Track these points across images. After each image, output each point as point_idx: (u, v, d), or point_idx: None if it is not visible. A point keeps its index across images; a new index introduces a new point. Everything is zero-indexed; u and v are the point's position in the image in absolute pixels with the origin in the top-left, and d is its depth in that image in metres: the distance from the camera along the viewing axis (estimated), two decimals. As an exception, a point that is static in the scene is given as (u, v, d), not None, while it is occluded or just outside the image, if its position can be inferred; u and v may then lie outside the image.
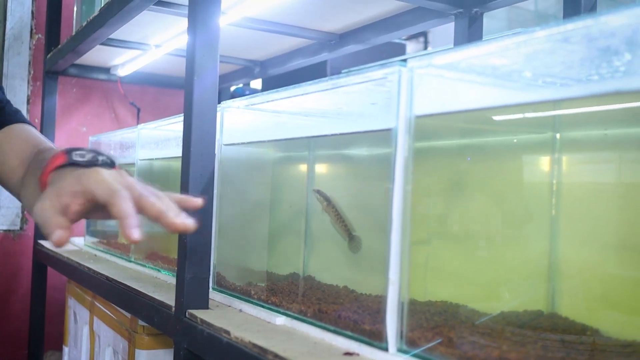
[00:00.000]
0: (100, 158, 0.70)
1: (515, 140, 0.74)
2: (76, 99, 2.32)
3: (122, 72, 2.17)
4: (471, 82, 0.68)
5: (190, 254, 0.94)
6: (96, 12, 1.58)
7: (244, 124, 1.11)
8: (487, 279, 0.74)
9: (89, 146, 1.95)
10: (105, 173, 0.64)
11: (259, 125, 1.11)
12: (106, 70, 2.20)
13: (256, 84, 2.77)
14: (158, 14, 1.46)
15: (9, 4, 2.20)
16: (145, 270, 1.38)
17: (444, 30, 2.29)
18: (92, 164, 0.68)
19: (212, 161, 0.99)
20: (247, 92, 2.76)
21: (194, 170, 0.97)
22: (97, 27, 1.58)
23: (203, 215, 0.96)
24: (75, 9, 2.13)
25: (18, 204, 2.21)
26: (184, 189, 0.99)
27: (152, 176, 1.51)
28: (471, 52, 0.65)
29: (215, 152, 1.00)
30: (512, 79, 0.64)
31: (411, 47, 2.67)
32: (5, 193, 2.18)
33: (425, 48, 2.71)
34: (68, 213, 0.62)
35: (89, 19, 1.65)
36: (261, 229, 1.08)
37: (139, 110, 2.33)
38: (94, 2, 1.98)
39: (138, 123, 2.36)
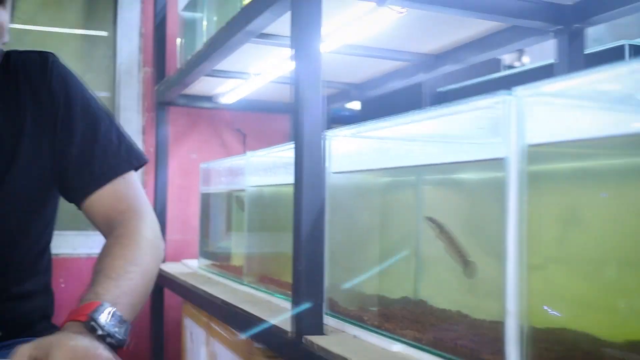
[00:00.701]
0: (110, 340, 0.76)
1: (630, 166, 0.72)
2: (186, 127, 2.44)
3: (225, 100, 2.27)
4: (583, 108, 0.67)
5: (305, 281, 0.98)
6: (200, 47, 1.66)
7: (351, 151, 1.13)
8: (609, 305, 0.73)
9: (201, 172, 2.05)
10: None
11: (366, 152, 1.14)
12: (211, 98, 2.31)
13: (354, 103, 2.80)
14: (257, 45, 1.53)
15: (117, 41, 2.35)
16: (258, 293, 1.43)
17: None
18: (101, 338, 0.74)
19: (322, 189, 1.03)
20: (346, 113, 2.81)
21: (306, 198, 1.01)
22: (201, 60, 1.67)
23: (315, 242, 1.00)
24: (178, 42, 2.26)
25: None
26: (297, 216, 1.03)
27: (263, 202, 1.57)
28: (580, 80, 0.64)
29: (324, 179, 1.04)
30: (628, 104, 0.63)
31: (506, 58, 2.61)
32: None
33: (520, 58, 2.65)
34: None
35: (193, 54, 1.74)
36: (371, 254, 1.10)
37: (244, 135, 2.42)
38: (195, 36, 2.09)
39: (245, 148, 2.46)
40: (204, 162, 2.26)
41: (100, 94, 2.39)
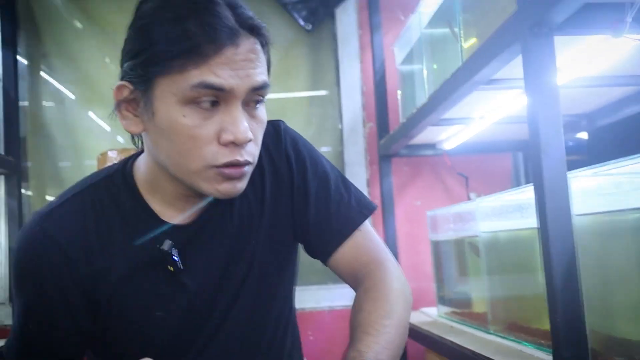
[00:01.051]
0: None
1: None
2: (408, 176, 2.50)
3: (447, 146, 2.28)
4: None
5: (564, 331, 0.93)
6: (424, 100, 1.70)
7: (589, 189, 1.07)
8: None
9: (429, 220, 2.08)
10: None
11: (610, 191, 1.07)
12: (432, 146, 2.34)
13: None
14: (484, 91, 1.52)
15: (342, 101, 2.50)
16: (506, 342, 1.39)
17: None
18: None
19: (569, 233, 0.99)
20: (570, 143, 2.66)
21: (554, 243, 0.98)
22: (425, 113, 1.71)
23: (570, 289, 0.96)
24: (398, 95, 2.34)
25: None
26: (547, 263, 0.99)
27: (499, 247, 1.54)
28: None
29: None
30: None
31: None
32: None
33: None
34: None
35: (417, 107, 1.79)
36: (633, 299, 1.02)
37: (466, 179, 2.41)
38: (414, 88, 2.14)
39: (467, 191, 2.44)
40: (428, 208, 2.28)
41: (327, 149, 2.55)
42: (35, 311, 0.95)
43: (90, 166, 2.42)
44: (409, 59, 2.18)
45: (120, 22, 2.47)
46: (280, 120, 1.12)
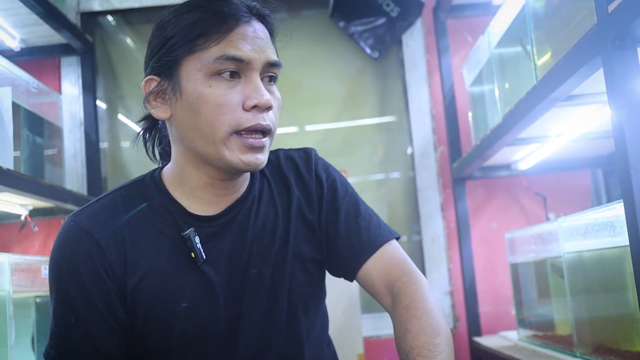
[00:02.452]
0: None
1: None
2: (482, 198, 2.45)
3: (523, 166, 2.23)
4: None
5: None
6: (499, 120, 1.68)
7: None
8: None
9: (507, 242, 2.02)
10: None
11: None
12: (507, 166, 2.29)
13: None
14: (562, 108, 1.49)
15: (412, 126, 2.49)
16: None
17: None
18: None
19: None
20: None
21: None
22: (500, 134, 1.68)
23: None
24: (470, 116, 2.31)
25: (449, 303, 2.39)
26: (638, 281, 0.95)
27: (584, 268, 1.48)
28: None
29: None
30: None
31: None
32: (435, 295, 2.37)
33: None
34: None
35: (491, 128, 1.76)
36: None
37: (544, 198, 2.34)
38: (485, 108, 2.11)
39: (546, 211, 2.37)
40: (505, 230, 2.23)
41: (396, 175, 2.54)
42: (75, 305, 0.98)
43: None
44: (478, 80, 2.16)
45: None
46: (312, 148, 1.20)
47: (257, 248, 1.06)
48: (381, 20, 2.46)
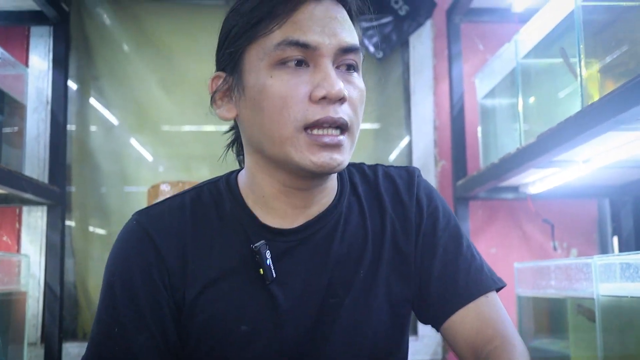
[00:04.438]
0: None
1: None
2: (482, 220, 2.27)
3: (532, 190, 2.05)
4: None
5: None
6: (533, 139, 1.49)
7: None
8: None
9: (516, 273, 1.84)
10: None
11: None
12: (515, 189, 2.11)
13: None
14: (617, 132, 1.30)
15: (413, 137, 2.29)
16: None
17: None
18: None
19: None
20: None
21: None
22: (533, 154, 1.50)
23: None
24: (479, 132, 2.12)
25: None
26: None
27: (622, 314, 1.31)
28: None
29: None
30: None
31: None
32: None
33: None
34: None
35: (519, 147, 1.58)
36: None
37: (552, 226, 2.17)
38: (496, 124, 1.93)
39: (553, 239, 2.20)
40: (504, 256, 2.07)
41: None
42: (122, 314, 0.88)
43: (133, 193, 2.28)
44: (494, 92, 1.98)
45: (177, 43, 2.32)
46: (417, 168, 1.04)
47: (339, 274, 0.92)
48: (388, 18, 2.26)
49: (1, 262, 1.69)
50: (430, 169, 2.26)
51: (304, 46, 0.82)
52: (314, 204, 0.92)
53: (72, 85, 2.28)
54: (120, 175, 2.29)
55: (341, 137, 0.83)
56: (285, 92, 0.82)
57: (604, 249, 2.27)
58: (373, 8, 2.41)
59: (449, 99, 2.24)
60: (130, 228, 0.92)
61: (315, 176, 0.87)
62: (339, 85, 0.81)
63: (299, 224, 0.92)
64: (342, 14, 0.87)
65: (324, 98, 0.81)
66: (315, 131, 0.82)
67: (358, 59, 0.87)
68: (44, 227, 2.11)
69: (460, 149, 2.18)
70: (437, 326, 0.96)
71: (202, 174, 2.31)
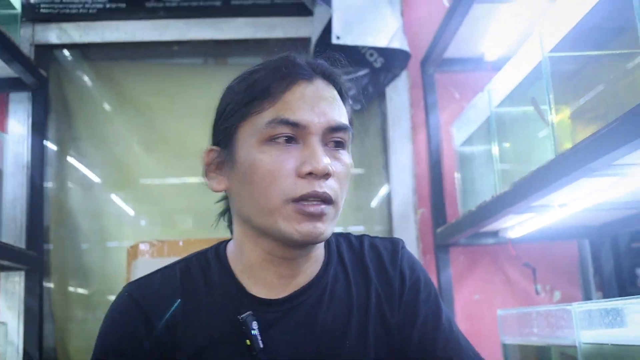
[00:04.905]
0: None
1: None
2: (464, 266, 2.27)
3: (512, 234, 2.07)
4: None
5: None
6: (508, 187, 1.51)
7: None
8: None
9: (499, 320, 1.83)
10: None
11: None
12: (494, 233, 2.12)
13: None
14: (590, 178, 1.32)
15: (392, 187, 2.30)
16: None
17: None
18: None
19: None
20: None
21: None
22: (510, 202, 1.51)
23: None
24: (456, 179, 2.14)
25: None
26: None
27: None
28: None
29: None
30: None
31: None
32: None
33: None
34: None
35: (495, 195, 1.59)
36: None
37: (534, 270, 2.17)
38: (473, 170, 1.95)
39: (535, 283, 2.21)
40: (488, 303, 2.05)
41: (378, 228, 2.36)
42: None
43: (115, 249, 2.26)
44: (470, 140, 2.01)
45: (156, 102, 2.34)
46: (400, 239, 1.08)
47: (326, 343, 0.93)
48: (364, 71, 2.30)
49: (-21, 331, 1.66)
50: (409, 216, 2.27)
51: (294, 125, 0.86)
52: (301, 273, 0.95)
53: (51, 146, 2.28)
54: (100, 232, 2.28)
55: (324, 207, 0.86)
56: (274, 167, 0.86)
57: (587, 290, 2.28)
58: (349, 61, 2.43)
59: (427, 147, 2.27)
60: (121, 300, 0.95)
61: (300, 245, 0.90)
62: (324, 162, 0.85)
63: (285, 294, 0.94)
64: (332, 93, 0.91)
65: (310, 173, 0.85)
66: (300, 203, 0.85)
67: (346, 136, 0.91)
68: (22, 293, 2.07)
69: (438, 196, 2.19)
70: None
71: (185, 226, 2.30)
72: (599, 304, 1.31)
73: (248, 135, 0.89)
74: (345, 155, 0.92)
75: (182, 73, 2.40)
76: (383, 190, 2.36)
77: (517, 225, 2.02)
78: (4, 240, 1.98)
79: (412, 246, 2.25)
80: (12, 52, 1.92)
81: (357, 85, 2.30)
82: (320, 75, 0.92)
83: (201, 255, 1.01)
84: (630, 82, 1.20)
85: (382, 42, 2.21)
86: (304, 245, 0.90)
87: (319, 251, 0.99)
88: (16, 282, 2.09)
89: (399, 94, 2.34)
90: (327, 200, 0.87)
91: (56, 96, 2.30)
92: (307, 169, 0.85)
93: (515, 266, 2.26)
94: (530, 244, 2.22)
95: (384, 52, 2.25)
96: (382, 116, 2.39)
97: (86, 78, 2.35)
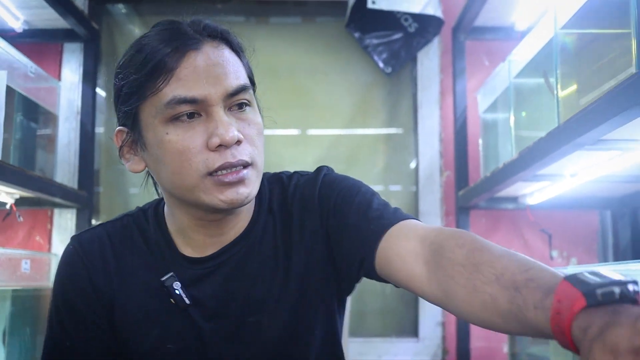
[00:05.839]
0: (620, 290, 0.55)
1: None
2: (485, 229, 2.36)
3: (531, 201, 2.15)
4: None
5: None
6: (515, 155, 1.59)
7: None
8: None
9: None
10: None
11: None
12: (514, 199, 2.21)
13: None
14: (582, 151, 1.40)
15: (419, 149, 2.40)
16: None
17: None
18: (617, 301, 0.55)
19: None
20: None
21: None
22: (515, 170, 1.60)
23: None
24: (480, 143, 2.22)
25: (440, 335, 2.30)
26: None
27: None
28: None
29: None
30: None
31: None
32: (427, 324, 2.30)
33: None
34: None
35: (505, 162, 1.68)
36: None
37: (550, 236, 2.25)
38: (497, 137, 2.03)
39: (550, 249, 2.29)
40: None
41: (398, 188, 2.46)
42: (65, 323, 0.97)
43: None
44: (493, 107, 2.08)
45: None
46: (325, 166, 1.04)
47: (254, 294, 0.96)
48: (398, 35, 2.38)
49: (33, 261, 1.86)
50: (435, 179, 2.37)
51: (192, 101, 0.85)
52: (230, 230, 0.97)
53: (101, 94, 2.46)
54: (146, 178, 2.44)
55: (244, 172, 0.88)
56: (182, 147, 0.86)
57: (605, 259, 2.35)
58: (384, 25, 2.51)
59: (453, 112, 2.35)
60: (67, 252, 1.01)
61: (227, 211, 0.92)
62: (232, 131, 0.85)
63: (215, 252, 0.97)
64: (223, 55, 0.89)
65: (220, 145, 0.85)
66: (218, 174, 0.86)
67: (249, 95, 0.90)
68: (73, 228, 2.28)
69: (462, 160, 2.28)
70: (371, 270, 0.89)
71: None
72: (604, 267, 1.40)
73: (150, 117, 0.88)
74: (252, 114, 0.91)
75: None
76: (411, 152, 2.46)
77: (536, 192, 2.10)
78: (59, 180, 2.19)
79: (435, 207, 2.36)
80: (66, 6, 2.09)
81: (390, 49, 2.38)
82: (207, 37, 0.89)
83: (142, 212, 1.04)
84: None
85: (416, 7, 2.27)
86: (232, 210, 0.92)
87: (249, 205, 0.98)
88: (68, 218, 2.31)
89: (430, 59, 2.42)
90: (244, 165, 0.87)
91: (107, 48, 2.47)
92: (215, 141, 0.85)
93: (533, 232, 2.34)
94: (551, 211, 2.29)
95: (418, 18, 2.32)
96: (412, 80, 2.47)
97: (137, 31, 2.49)
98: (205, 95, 0.86)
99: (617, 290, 0.55)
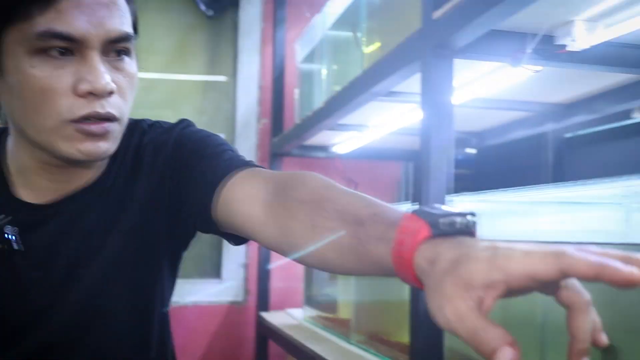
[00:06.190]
0: (460, 221, 0.54)
1: None
2: (298, 176, 2.45)
3: (339, 150, 2.27)
4: None
5: (424, 350, 0.92)
6: (320, 104, 1.67)
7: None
8: None
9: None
10: (535, 253, 0.45)
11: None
12: (325, 148, 2.32)
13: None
14: (381, 102, 1.51)
15: (237, 94, 2.42)
16: (367, 355, 1.37)
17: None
18: (459, 232, 0.54)
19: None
20: (459, 157, 2.73)
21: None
22: (321, 118, 1.68)
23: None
24: (296, 93, 2.29)
25: (242, 276, 2.38)
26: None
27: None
28: None
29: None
30: None
31: None
32: (230, 266, 2.37)
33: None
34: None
35: (313, 110, 1.75)
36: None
37: (356, 184, 2.40)
38: (313, 87, 2.11)
39: (355, 197, 2.44)
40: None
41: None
42: None
43: None
44: (309, 58, 2.14)
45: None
46: (184, 119, 0.98)
47: (86, 247, 0.90)
48: (219, -23, 2.35)
49: None
50: (252, 126, 2.42)
51: (67, 38, 0.76)
52: (77, 179, 0.90)
53: None
54: None
55: (110, 125, 0.81)
56: (47, 85, 0.77)
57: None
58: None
59: (272, 61, 2.39)
60: None
61: (80, 163, 0.86)
62: (105, 79, 0.78)
63: (55, 198, 0.90)
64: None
65: (90, 93, 0.78)
66: (81, 122, 0.79)
67: (130, 45, 0.83)
68: None
69: (279, 109, 2.34)
70: (211, 221, 0.85)
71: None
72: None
73: (15, 43, 0.77)
74: (129, 64, 0.84)
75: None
76: (229, 99, 2.47)
77: (344, 142, 2.22)
78: None
79: (251, 153, 2.41)
80: None
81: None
82: None
83: None
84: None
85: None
86: (85, 163, 0.86)
87: None
88: None
89: (252, 6, 2.43)
90: (111, 119, 0.81)
91: None
92: (85, 87, 0.77)
93: (341, 180, 2.47)
94: (359, 160, 2.43)
95: (242, -38, 2.31)
96: (234, 25, 2.46)
97: None
98: (84, 35, 0.76)
99: (458, 219, 0.54)
